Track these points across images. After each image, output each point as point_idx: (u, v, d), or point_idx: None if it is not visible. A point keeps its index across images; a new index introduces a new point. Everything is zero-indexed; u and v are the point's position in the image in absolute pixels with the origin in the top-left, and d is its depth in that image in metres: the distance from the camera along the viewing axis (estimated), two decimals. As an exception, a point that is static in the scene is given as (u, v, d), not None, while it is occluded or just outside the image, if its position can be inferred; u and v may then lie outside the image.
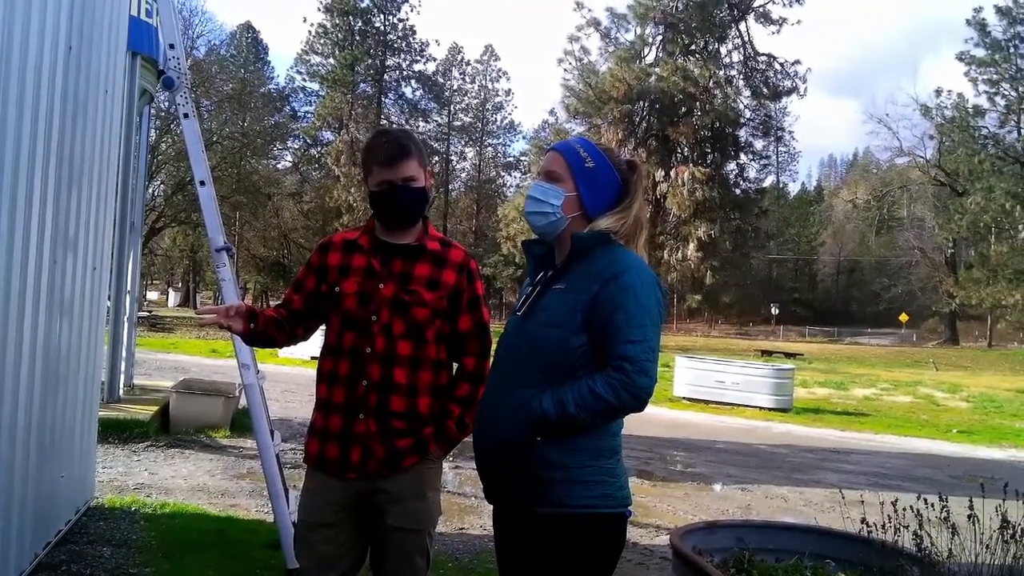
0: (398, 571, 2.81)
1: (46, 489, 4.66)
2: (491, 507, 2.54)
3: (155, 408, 9.46)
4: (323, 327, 3.01)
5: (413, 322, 2.78)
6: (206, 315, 2.90)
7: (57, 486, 4.94)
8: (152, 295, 69.45)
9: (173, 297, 68.99)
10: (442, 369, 2.88)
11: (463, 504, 7.15)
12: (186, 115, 5.46)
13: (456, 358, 2.94)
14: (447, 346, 2.90)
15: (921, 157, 58.73)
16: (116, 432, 8.55)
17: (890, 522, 2.96)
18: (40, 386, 4.37)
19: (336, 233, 3.13)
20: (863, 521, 3.05)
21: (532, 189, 2.51)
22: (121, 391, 10.14)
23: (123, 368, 10.35)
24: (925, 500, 2.92)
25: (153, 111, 16.80)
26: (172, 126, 38.42)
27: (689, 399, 17.30)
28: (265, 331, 2.92)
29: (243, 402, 8.52)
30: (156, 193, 44.02)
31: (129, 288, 10.74)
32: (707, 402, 17.01)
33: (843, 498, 3.63)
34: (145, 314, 34.38)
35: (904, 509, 2.94)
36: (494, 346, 2.63)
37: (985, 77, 50.18)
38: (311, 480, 2.88)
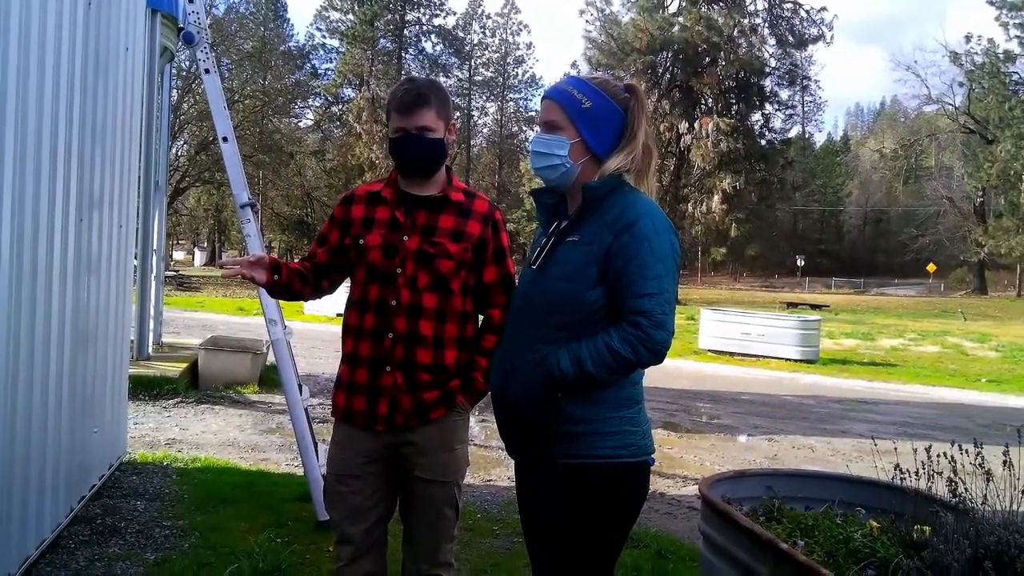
0: (428, 523, 2.83)
1: (80, 444, 4.73)
2: (515, 459, 2.53)
3: (184, 365, 9.59)
4: (347, 282, 3.00)
5: (438, 274, 2.76)
6: (229, 267, 2.86)
7: (90, 441, 5.01)
8: (178, 255, 69.98)
9: (199, 256, 69.44)
10: (468, 321, 2.87)
11: (490, 456, 7.19)
12: (207, 71, 5.45)
13: (482, 310, 2.92)
14: (473, 298, 2.88)
15: (950, 104, 57.67)
16: (146, 389, 8.69)
17: (923, 469, 2.93)
18: (71, 343, 4.41)
19: (359, 186, 3.10)
20: (896, 467, 3.02)
21: (534, 143, 2.44)
22: (150, 349, 10.27)
23: (152, 326, 10.48)
24: (960, 447, 2.89)
25: (174, 71, 16.76)
26: (193, 86, 38.30)
27: (714, 351, 17.28)
28: (289, 283, 2.91)
29: (271, 358, 8.60)
30: (179, 153, 44.04)
31: (155, 247, 10.81)
32: (732, 354, 16.99)
33: (875, 446, 3.60)
34: (172, 273, 34.66)
35: (938, 456, 2.90)
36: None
37: (1017, 21, 49.08)
38: (339, 433, 2.88)
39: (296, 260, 3.10)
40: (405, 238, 2.77)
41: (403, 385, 2.73)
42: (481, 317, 2.94)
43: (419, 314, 2.74)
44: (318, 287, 3.00)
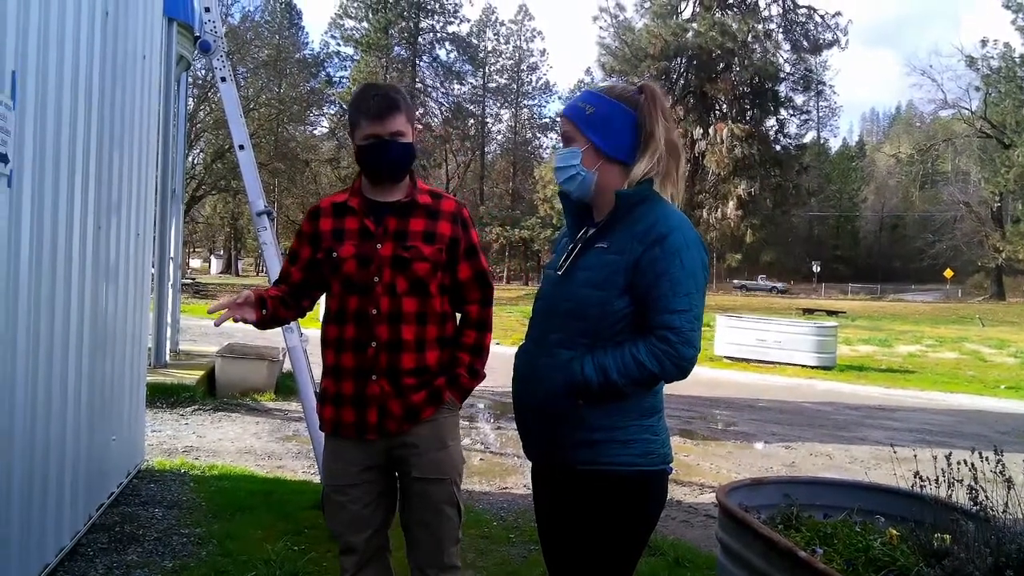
0: (429, 523, 2.82)
1: (98, 452, 4.75)
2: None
3: (201, 373, 9.62)
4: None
5: (415, 278, 2.76)
6: (217, 311, 2.80)
7: (109, 449, 5.03)
8: (194, 263, 70.43)
9: (215, 264, 69.88)
10: (447, 321, 2.88)
11: (506, 464, 7.18)
12: (223, 79, 5.49)
13: (458, 307, 2.94)
14: (449, 297, 2.90)
15: (966, 109, 57.21)
16: (164, 396, 8.73)
17: (943, 476, 2.90)
18: (89, 350, 4.43)
19: (323, 198, 3.09)
20: (916, 475, 3.00)
21: (556, 159, 2.47)
22: (167, 356, 10.32)
23: (169, 334, 10.53)
24: (980, 454, 2.86)
25: (190, 79, 16.85)
26: (209, 94, 38.59)
27: (730, 358, 17.19)
28: (275, 314, 2.91)
29: (287, 366, 8.63)
30: (196, 161, 44.34)
31: (172, 255, 10.87)
32: (748, 361, 16.89)
33: (895, 453, 3.57)
34: (188, 281, 34.81)
35: (958, 463, 2.88)
36: (530, 304, 2.60)
37: (1033, 26, 48.80)
38: (332, 444, 2.89)
39: (272, 285, 3.10)
40: (378, 246, 2.77)
41: (390, 392, 2.74)
42: (458, 315, 2.97)
43: (400, 320, 2.74)
44: (299, 307, 3.01)
